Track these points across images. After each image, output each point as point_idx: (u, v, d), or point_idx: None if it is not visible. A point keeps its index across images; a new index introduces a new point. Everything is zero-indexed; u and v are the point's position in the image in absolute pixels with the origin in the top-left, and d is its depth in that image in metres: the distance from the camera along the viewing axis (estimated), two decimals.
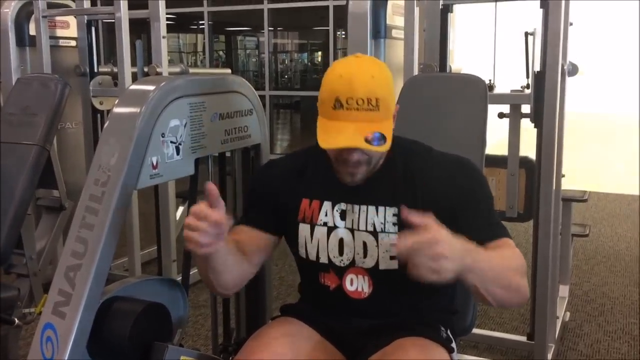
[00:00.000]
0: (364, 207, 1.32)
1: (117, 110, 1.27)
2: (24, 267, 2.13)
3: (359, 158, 1.24)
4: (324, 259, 1.34)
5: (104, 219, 1.16)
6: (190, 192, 1.51)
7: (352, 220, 1.33)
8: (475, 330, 2.71)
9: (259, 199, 1.42)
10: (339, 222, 1.34)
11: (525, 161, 2.61)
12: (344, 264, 1.33)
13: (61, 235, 2.38)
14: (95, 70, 3.10)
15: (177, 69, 3.34)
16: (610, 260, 3.90)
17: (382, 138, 1.20)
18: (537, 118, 2.31)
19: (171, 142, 1.31)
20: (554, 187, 2.29)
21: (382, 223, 1.30)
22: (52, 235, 2.31)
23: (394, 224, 1.30)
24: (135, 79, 2.91)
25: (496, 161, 2.57)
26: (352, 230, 1.33)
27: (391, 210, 1.30)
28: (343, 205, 1.34)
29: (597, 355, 2.66)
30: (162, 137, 1.28)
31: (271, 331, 1.33)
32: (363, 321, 1.34)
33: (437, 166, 1.34)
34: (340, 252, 1.33)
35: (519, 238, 3.74)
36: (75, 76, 3.06)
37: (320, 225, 1.34)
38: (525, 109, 2.43)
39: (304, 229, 1.36)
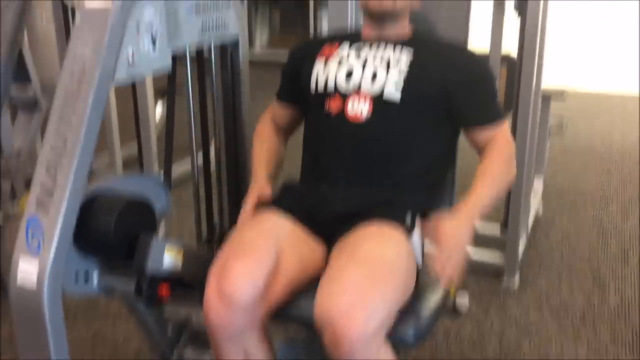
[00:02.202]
0: (382, 45, 1.48)
1: (89, 5, 1.21)
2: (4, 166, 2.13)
3: None
4: (331, 87, 1.46)
5: (82, 114, 1.14)
6: (169, 91, 1.49)
7: (367, 57, 1.47)
8: None
9: (291, 70, 1.59)
10: (353, 58, 1.48)
11: (506, 60, 2.59)
12: (349, 89, 1.45)
13: (39, 133, 2.35)
14: None
15: None
16: (585, 155, 3.99)
17: None
18: (520, 5, 2.25)
19: (146, 33, 1.27)
20: (534, 84, 2.29)
21: (397, 60, 1.44)
22: (31, 134, 2.29)
23: (406, 64, 1.43)
24: None
25: None
26: (364, 64, 1.46)
27: (407, 54, 1.45)
28: (361, 45, 1.50)
29: (566, 243, 2.78)
30: (138, 29, 1.24)
31: (254, 226, 1.37)
32: (343, 193, 1.42)
33: (458, 48, 1.53)
34: (347, 80, 1.45)
35: None
36: None
37: (334, 60, 1.49)
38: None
39: (318, 64, 1.51)
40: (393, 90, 1.41)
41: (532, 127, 2.38)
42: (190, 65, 1.57)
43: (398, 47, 1.46)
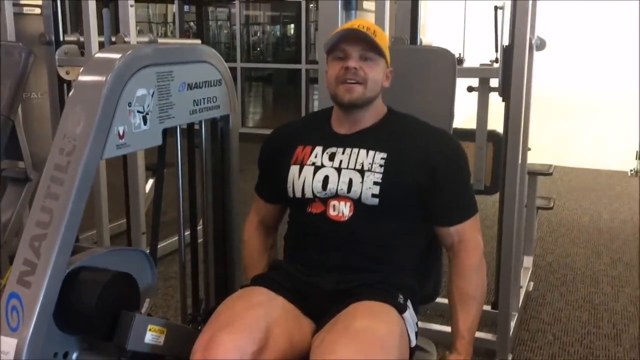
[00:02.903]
0: (355, 150, 1.48)
1: (82, 78, 1.24)
2: None
3: (357, 65, 1.43)
4: (308, 194, 1.46)
5: (69, 189, 1.15)
6: (158, 164, 1.50)
7: (341, 160, 1.47)
8: (442, 300, 2.77)
9: (265, 167, 1.61)
10: (327, 162, 1.48)
11: (492, 135, 2.64)
12: (327, 195, 1.45)
13: (27, 206, 2.34)
14: (61, 39, 3.01)
15: (145, 39, 3.27)
16: (574, 233, 4.01)
17: (380, 56, 1.46)
18: (505, 92, 2.33)
19: (138, 111, 1.29)
20: (520, 161, 2.33)
21: (370, 163, 1.44)
22: (18, 207, 2.28)
23: (380, 166, 1.43)
24: (102, 48, 2.85)
25: (464, 135, 2.60)
26: (338, 169, 1.45)
27: (380, 155, 1.45)
28: (334, 149, 1.49)
29: (558, 323, 2.75)
30: (129, 106, 1.26)
31: (243, 300, 1.35)
32: (332, 277, 1.41)
33: (431, 133, 1.52)
34: (324, 187, 1.44)
35: (486, 211, 3.81)
36: (40, 45, 2.97)
37: (309, 165, 1.49)
38: (494, 82, 2.45)
39: (294, 169, 1.50)
40: (370, 197, 1.42)
41: (519, 204, 2.40)
42: (180, 139, 1.59)
43: (371, 151, 1.45)
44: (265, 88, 9.34)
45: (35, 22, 3.20)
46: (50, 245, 1.11)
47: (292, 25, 8.42)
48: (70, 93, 1.24)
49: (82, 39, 2.92)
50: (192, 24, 9.46)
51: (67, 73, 3.02)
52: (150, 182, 3.39)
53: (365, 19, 1.53)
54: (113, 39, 2.79)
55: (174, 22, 8.11)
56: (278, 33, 8.93)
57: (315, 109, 7.53)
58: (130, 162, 2.85)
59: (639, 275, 3.28)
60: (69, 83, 3.09)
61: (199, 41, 3.89)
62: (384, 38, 1.50)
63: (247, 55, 7.96)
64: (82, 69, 1.27)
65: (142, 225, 2.94)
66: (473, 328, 1.44)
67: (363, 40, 1.44)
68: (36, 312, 1.08)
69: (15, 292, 1.10)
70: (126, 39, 2.77)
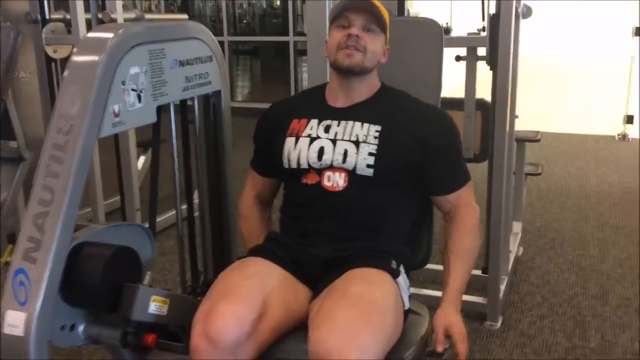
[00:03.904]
0: (350, 122, 1.52)
1: (75, 58, 1.26)
2: None
3: (360, 34, 1.48)
4: (304, 165, 1.51)
5: (69, 167, 1.17)
6: (153, 140, 1.53)
7: (336, 132, 1.50)
8: (434, 266, 2.83)
9: (261, 141, 1.65)
10: (322, 134, 1.52)
11: (480, 103, 2.68)
12: (322, 165, 1.49)
13: (22, 187, 2.36)
14: (47, 17, 2.99)
15: (132, 15, 3.24)
16: (562, 198, 4.08)
17: (381, 30, 1.52)
18: (492, 60, 2.36)
19: (132, 89, 1.31)
20: (507, 128, 2.37)
21: (365, 135, 1.49)
22: (14, 186, 2.31)
23: (375, 137, 1.47)
24: (89, 25, 2.84)
25: (453, 104, 2.64)
26: (334, 141, 1.49)
27: (375, 127, 1.49)
28: (329, 122, 1.53)
29: (547, 285, 2.82)
30: (123, 84, 1.28)
31: (240, 271, 1.40)
32: (327, 246, 1.46)
33: (423, 108, 1.57)
34: (320, 158, 1.48)
35: (476, 178, 3.82)
36: (26, 24, 2.95)
37: (305, 136, 1.53)
38: (482, 51, 2.48)
39: (289, 141, 1.54)
40: (364, 167, 1.47)
41: (507, 171, 2.45)
42: (174, 115, 1.61)
43: (366, 124, 1.50)
44: (252, 61, 9.29)
45: (19, 0, 3.17)
46: (54, 222, 1.14)
47: None
48: (65, 73, 1.25)
49: (68, 16, 2.90)
50: None
51: (55, 51, 3.00)
52: (142, 159, 3.40)
53: None
54: (99, 15, 2.78)
55: None
56: (264, 5, 8.84)
57: (304, 81, 7.49)
58: (122, 140, 2.87)
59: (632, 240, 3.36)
60: (56, 61, 3.08)
61: (186, 16, 3.87)
62: (386, 14, 1.55)
63: (233, 29, 7.89)
64: (75, 49, 1.29)
65: (136, 202, 2.97)
66: (463, 285, 1.48)
67: (368, 11, 1.50)
68: (43, 287, 1.11)
69: (21, 267, 1.13)
70: (112, 16, 2.76)
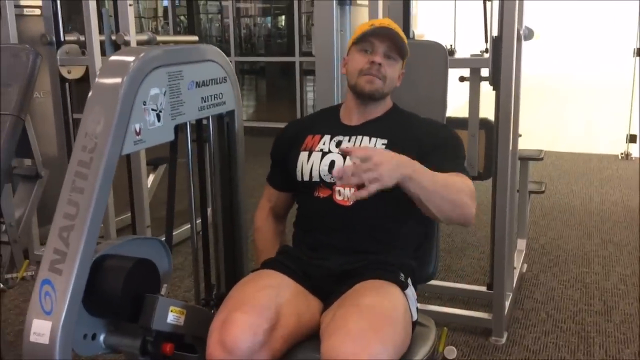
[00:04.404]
0: (359, 137, 1.60)
1: (100, 80, 1.33)
2: (4, 235, 2.19)
3: (382, 62, 1.56)
4: (315, 177, 1.58)
5: (93, 183, 1.23)
6: (170, 158, 1.59)
7: (347, 147, 1.53)
8: (439, 283, 2.88)
9: (278, 157, 1.74)
10: (334, 149, 1.60)
11: (484, 122, 2.74)
12: (332, 180, 1.55)
13: (37, 203, 2.42)
14: (62, 39, 3.08)
15: (144, 37, 3.35)
16: (566, 215, 4.12)
17: (400, 57, 1.61)
18: (495, 81, 2.43)
19: (152, 109, 1.38)
20: (511, 147, 2.43)
21: (373, 147, 1.55)
22: (30, 204, 2.36)
23: None
24: (102, 47, 2.93)
25: (457, 123, 2.69)
26: (344, 156, 1.55)
27: (381, 140, 1.57)
28: (340, 137, 1.61)
29: (551, 301, 2.85)
30: (144, 105, 1.35)
31: (254, 283, 1.45)
32: (337, 258, 1.51)
33: (429, 123, 1.65)
34: (330, 172, 1.55)
35: (480, 197, 3.89)
36: (41, 45, 3.04)
37: (317, 151, 1.62)
38: (485, 72, 2.55)
39: (303, 155, 1.63)
40: None
41: (511, 189, 2.50)
42: (190, 134, 1.68)
43: (373, 138, 1.58)
44: (258, 81, 9.40)
45: (35, 23, 3.27)
46: (78, 235, 1.20)
47: (284, 17, 8.47)
48: (89, 94, 1.32)
49: (82, 38, 2.99)
50: (182, 17, 9.49)
51: (69, 72, 3.09)
52: (151, 177, 3.47)
53: (391, 20, 1.67)
54: (113, 37, 2.87)
55: (163, 16, 8.15)
56: (269, 25, 8.97)
57: (310, 101, 7.52)
58: (133, 158, 2.93)
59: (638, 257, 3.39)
60: (70, 82, 3.16)
61: (196, 38, 3.96)
62: (406, 42, 1.62)
63: (239, 49, 8.01)
64: (98, 71, 1.36)
65: (146, 219, 3.03)
66: (428, 174, 1.38)
67: (391, 39, 1.58)
68: (68, 297, 1.16)
69: (47, 278, 1.18)
70: (126, 38, 2.85)
